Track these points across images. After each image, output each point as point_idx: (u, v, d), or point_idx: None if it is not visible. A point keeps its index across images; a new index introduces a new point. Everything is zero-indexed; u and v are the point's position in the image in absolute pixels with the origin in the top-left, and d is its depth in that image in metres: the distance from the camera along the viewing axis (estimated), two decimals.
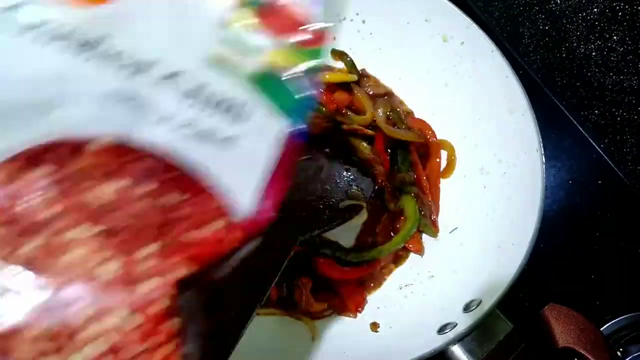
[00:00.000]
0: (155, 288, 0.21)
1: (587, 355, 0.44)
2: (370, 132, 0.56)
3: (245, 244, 0.24)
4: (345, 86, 0.57)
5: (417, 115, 0.59)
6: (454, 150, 0.56)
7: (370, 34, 0.59)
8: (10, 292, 0.20)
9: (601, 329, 0.55)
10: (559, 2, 0.70)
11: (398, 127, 0.56)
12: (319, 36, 0.26)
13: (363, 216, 0.54)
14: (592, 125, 0.69)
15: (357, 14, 0.58)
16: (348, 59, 0.58)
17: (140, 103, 0.22)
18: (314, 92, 0.26)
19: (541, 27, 0.71)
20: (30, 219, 0.20)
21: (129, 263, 0.21)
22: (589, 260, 0.61)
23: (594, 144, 0.67)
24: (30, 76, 0.21)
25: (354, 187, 0.57)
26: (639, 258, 0.62)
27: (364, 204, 0.55)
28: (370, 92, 0.58)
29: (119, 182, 0.22)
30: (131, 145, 0.22)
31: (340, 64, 0.59)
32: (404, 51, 0.58)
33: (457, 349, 0.41)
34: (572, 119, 0.68)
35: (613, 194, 0.65)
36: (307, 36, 0.26)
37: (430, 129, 0.57)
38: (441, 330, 0.42)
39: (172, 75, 0.23)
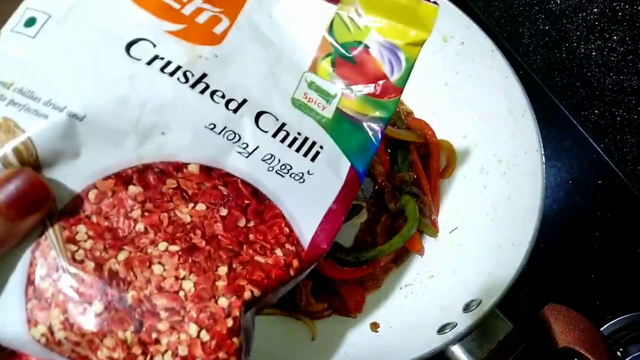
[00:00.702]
0: (222, 308, 0.22)
1: (587, 355, 0.44)
2: None
3: (300, 274, 0.25)
4: None
5: (417, 115, 0.59)
6: (454, 150, 0.56)
7: None
8: (92, 300, 0.21)
9: (601, 329, 0.55)
10: (559, 2, 0.70)
11: (398, 127, 0.56)
12: (389, 90, 0.29)
13: (363, 216, 0.54)
14: (592, 125, 0.69)
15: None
16: None
17: (230, 135, 0.24)
18: (377, 141, 0.28)
19: (541, 27, 0.71)
20: (116, 235, 0.22)
21: (201, 282, 0.22)
22: (589, 260, 0.61)
23: (594, 144, 0.67)
24: (147, 102, 0.23)
25: None
26: (639, 258, 0.62)
27: (364, 204, 0.55)
28: None
29: (198, 205, 0.24)
30: (214, 172, 0.24)
31: None
32: None
33: (457, 349, 0.41)
34: (572, 119, 0.68)
35: (613, 194, 0.65)
36: (378, 89, 0.28)
37: (430, 129, 0.57)
38: (441, 330, 0.42)
39: (259, 114, 0.25)
